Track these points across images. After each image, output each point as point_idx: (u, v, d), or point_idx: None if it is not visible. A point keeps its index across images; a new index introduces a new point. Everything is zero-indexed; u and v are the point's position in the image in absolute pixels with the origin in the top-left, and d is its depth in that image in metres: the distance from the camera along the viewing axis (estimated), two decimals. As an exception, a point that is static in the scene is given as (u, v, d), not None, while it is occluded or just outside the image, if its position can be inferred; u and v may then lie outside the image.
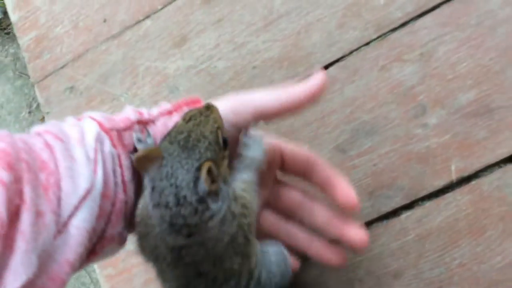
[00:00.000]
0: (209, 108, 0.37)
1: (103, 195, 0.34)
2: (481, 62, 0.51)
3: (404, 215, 0.50)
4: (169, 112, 0.40)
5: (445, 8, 0.53)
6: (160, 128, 0.39)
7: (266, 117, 0.40)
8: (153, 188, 0.34)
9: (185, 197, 0.33)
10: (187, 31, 0.61)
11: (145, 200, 0.36)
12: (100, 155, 0.35)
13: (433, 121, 0.51)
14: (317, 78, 0.40)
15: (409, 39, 0.53)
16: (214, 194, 0.34)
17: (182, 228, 0.34)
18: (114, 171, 0.35)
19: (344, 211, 0.41)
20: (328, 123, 0.54)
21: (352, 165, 0.52)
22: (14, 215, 0.28)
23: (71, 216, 0.31)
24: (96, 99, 0.63)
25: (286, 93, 0.39)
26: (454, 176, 0.49)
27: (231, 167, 0.39)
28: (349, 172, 0.52)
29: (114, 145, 0.36)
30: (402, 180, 0.50)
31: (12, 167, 0.29)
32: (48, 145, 0.33)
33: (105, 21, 0.64)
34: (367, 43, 0.55)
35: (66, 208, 0.31)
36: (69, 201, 0.31)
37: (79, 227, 0.31)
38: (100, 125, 0.36)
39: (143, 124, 0.39)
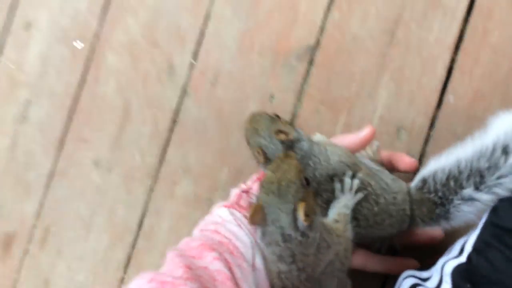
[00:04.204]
0: (288, 155, 0.46)
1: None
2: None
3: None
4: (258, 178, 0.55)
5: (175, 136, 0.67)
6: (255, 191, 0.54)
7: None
8: (263, 233, 0.45)
9: (289, 235, 0.44)
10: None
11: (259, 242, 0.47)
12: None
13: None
14: (368, 129, 0.55)
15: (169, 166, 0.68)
16: (310, 226, 0.44)
17: (287, 257, 0.44)
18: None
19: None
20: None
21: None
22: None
23: (253, 258, 0.47)
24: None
25: (357, 138, 0.55)
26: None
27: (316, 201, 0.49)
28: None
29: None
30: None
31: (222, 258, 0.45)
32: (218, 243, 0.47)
33: None
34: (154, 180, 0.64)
35: (249, 258, 0.47)
36: (247, 255, 0.47)
37: (260, 264, 0.47)
38: (226, 206, 0.51)
39: (246, 192, 0.54)
